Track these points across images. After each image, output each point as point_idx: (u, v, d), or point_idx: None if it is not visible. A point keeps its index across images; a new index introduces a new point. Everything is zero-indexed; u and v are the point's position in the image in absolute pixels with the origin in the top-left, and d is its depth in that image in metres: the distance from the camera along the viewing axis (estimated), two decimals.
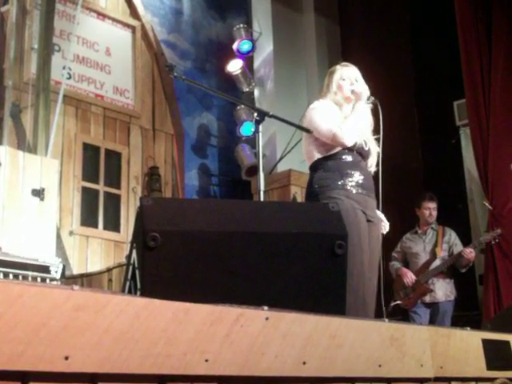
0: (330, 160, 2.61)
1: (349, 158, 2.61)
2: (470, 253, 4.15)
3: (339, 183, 2.55)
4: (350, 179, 2.57)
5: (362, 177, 2.60)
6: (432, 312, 4.30)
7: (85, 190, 5.38)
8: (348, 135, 2.56)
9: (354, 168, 2.60)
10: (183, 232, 1.51)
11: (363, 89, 2.71)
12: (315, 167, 2.65)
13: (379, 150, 2.74)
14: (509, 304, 4.15)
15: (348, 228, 1.72)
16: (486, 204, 4.63)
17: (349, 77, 2.72)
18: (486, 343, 1.70)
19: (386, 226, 2.72)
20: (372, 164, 2.74)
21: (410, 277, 4.30)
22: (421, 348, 1.53)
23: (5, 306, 0.94)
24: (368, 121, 2.74)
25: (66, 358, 0.97)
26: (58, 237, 4.61)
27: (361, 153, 2.65)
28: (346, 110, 2.69)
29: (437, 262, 4.32)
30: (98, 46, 5.82)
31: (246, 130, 6.01)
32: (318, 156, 2.65)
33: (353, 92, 2.68)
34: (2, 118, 4.67)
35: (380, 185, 2.62)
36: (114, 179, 5.61)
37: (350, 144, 2.59)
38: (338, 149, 2.60)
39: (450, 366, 1.60)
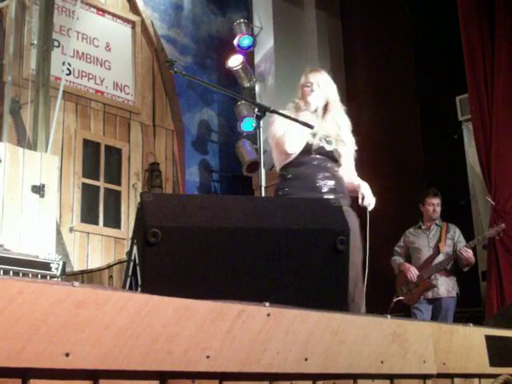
0: (290, 167, 2.59)
1: (308, 162, 2.58)
2: (465, 251, 4.13)
3: (297, 189, 2.53)
4: (309, 183, 2.54)
5: (325, 179, 2.56)
6: (434, 308, 4.29)
7: (85, 186, 5.37)
8: (289, 142, 2.54)
9: (315, 171, 2.57)
10: (184, 228, 1.50)
11: (318, 96, 2.66)
12: (279, 177, 2.66)
13: (350, 149, 2.69)
14: None
15: None
16: (489, 199, 4.62)
17: (311, 83, 2.69)
18: (489, 339, 1.69)
19: (370, 202, 2.59)
20: (346, 164, 2.67)
21: (413, 272, 4.28)
22: (423, 344, 1.52)
23: (5, 303, 0.93)
24: (341, 122, 2.68)
25: (67, 355, 0.97)
26: (59, 233, 4.60)
27: (324, 154, 2.61)
28: (306, 115, 2.63)
29: (440, 258, 4.30)
30: (98, 41, 5.80)
31: (247, 125, 6.00)
32: (279, 165, 2.65)
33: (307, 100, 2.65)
34: (1, 114, 4.65)
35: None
36: (114, 175, 5.61)
37: (290, 151, 2.56)
38: (295, 155, 2.58)
39: (453, 362, 1.59)
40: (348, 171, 2.71)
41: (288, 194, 2.55)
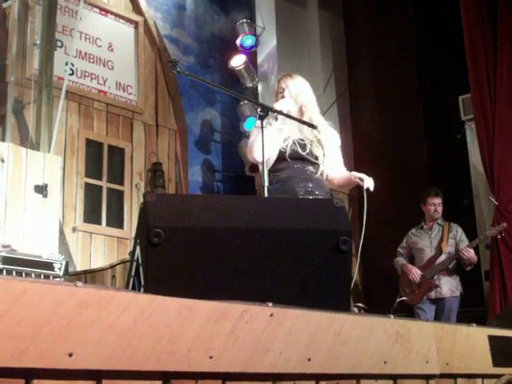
0: (272, 173, 2.61)
1: (286, 167, 2.60)
2: (466, 251, 4.12)
3: (279, 192, 2.55)
4: (287, 186, 2.56)
5: (302, 181, 2.58)
6: (437, 308, 4.28)
7: (88, 186, 5.38)
8: (252, 151, 2.54)
9: (292, 175, 2.59)
10: (187, 228, 1.50)
11: (288, 101, 2.67)
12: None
13: (333, 147, 2.70)
14: None
15: None
16: (492, 199, 4.61)
17: (283, 88, 2.72)
18: (492, 339, 1.69)
19: (370, 183, 2.54)
20: (333, 163, 2.68)
21: (415, 273, 4.28)
22: (426, 344, 1.52)
23: (8, 303, 0.93)
24: (317, 123, 2.66)
25: (70, 355, 0.97)
26: (62, 233, 4.61)
27: (300, 158, 2.62)
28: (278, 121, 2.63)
29: (442, 258, 4.30)
30: (101, 41, 5.81)
31: (250, 125, 6.00)
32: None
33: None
34: (4, 114, 4.66)
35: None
36: (117, 175, 5.61)
37: (258, 159, 2.51)
38: (273, 161, 2.59)
39: (456, 362, 1.59)
40: (338, 170, 2.73)
41: None
